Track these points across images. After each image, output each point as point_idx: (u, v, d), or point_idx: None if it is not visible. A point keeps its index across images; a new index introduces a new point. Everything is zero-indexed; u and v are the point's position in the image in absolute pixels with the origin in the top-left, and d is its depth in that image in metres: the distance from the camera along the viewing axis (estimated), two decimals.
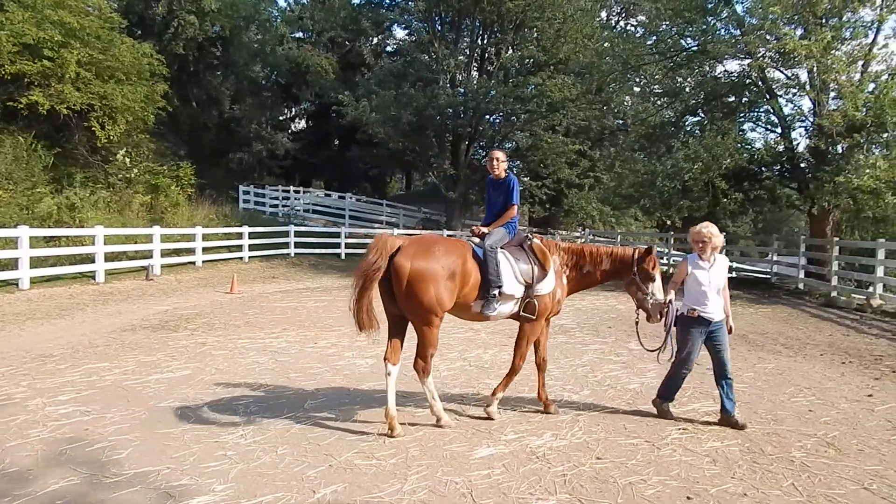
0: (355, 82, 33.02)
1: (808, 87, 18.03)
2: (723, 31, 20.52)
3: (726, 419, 5.80)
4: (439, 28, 30.75)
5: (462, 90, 29.74)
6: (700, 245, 5.81)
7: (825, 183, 17.04)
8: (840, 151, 17.55)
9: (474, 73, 31.32)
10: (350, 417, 5.81)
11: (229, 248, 21.53)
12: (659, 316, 5.76)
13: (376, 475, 4.54)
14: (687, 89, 22.23)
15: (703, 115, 22.17)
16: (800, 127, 20.03)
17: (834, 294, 15.58)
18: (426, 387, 5.48)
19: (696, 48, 20.80)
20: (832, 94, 17.74)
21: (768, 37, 17.82)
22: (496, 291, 5.47)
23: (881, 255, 14.26)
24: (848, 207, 17.73)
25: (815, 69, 17.27)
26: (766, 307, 15.16)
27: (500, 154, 6.07)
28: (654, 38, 22.24)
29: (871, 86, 16.99)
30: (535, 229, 33.70)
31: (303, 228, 26.91)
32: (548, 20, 28.46)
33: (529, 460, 4.86)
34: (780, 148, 19.98)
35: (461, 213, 32.09)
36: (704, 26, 20.22)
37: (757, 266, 26.15)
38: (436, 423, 5.57)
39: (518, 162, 32.58)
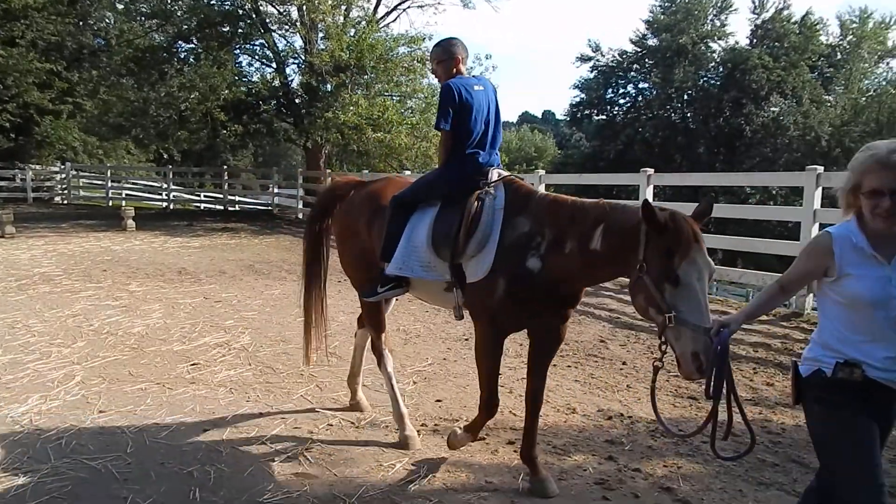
0: None
1: (299, 25, 19.47)
2: None
3: None
4: None
5: None
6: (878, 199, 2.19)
7: (317, 118, 18.94)
8: (329, 89, 19.65)
9: None
10: None
11: None
12: (694, 363, 2.62)
13: None
14: (179, 13, 21.46)
15: (197, 43, 21.82)
16: (293, 63, 21.57)
17: None
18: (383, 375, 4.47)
19: None
20: (321, 35, 19.63)
21: None
22: (385, 265, 3.89)
23: None
24: (337, 142, 20.14)
25: (304, 8, 18.74)
26: (270, 237, 16.37)
27: (430, 54, 4.30)
28: None
29: (353, 31, 19.37)
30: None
31: None
32: None
33: (11, 433, 4.17)
34: (276, 83, 21.26)
35: None
36: None
37: (260, 199, 27.76)
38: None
39: None
